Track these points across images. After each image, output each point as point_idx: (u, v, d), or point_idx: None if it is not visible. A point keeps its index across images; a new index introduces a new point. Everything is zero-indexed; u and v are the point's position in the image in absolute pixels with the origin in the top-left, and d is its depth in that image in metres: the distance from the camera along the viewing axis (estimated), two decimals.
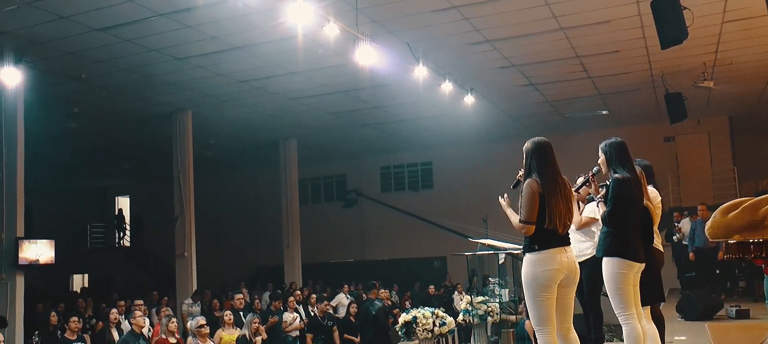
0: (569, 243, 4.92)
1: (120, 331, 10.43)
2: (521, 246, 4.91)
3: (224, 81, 13.20)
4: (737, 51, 12.65)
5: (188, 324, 9.64)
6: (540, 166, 4.80)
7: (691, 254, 12.88)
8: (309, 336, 12.25)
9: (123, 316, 11.33)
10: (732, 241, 5.60)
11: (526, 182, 4.77)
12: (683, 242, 13.51)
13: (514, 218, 4.79)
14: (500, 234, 10.01)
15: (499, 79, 13.93)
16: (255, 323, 9.74)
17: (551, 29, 11.07)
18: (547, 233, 4.73)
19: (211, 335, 9.57)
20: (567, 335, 4.96)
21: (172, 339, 9.32)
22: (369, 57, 9.77)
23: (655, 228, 5.87)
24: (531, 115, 17.34)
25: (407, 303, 15.40)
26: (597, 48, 12.17)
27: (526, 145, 4.89)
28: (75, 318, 9.73)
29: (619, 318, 5.31)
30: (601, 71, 13.71)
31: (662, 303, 6.18)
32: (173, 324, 9.43)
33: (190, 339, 9.37)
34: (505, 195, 5.06)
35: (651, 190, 5.79)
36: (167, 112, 15.32)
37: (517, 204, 4.92)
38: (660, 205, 6.05)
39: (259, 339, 9.74)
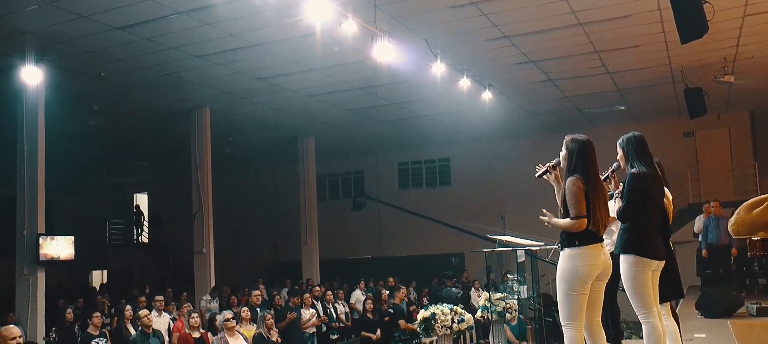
0: (603, 240, 4.96)
1: (136, 327, 10.53)
2: (538, 243, 4.94)
3: (243, 78, 13.25)
4: (759, 45, 12.51)
5: (216, 319, 9.69)
6: (585, 166, 4.84)
7: (704, 251, 12.78)
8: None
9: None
10: (756, 238, 5.56)
11: (570, 180, 4.77)
12: (698, 239, 13.42)
13: (563, 221, 4.78)
14: (517, 230, 9.99)
15: (517, 75, 13.88)
16: (268, 319, 9.77)
17: (570, 24, 11.00)
18: (588, 230, 4.76)
19: None
20: (597, 331, 5.01)
21: (196, 334, 9.40)
22: (387, 53, 9.77)
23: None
24: (549, 111, 17.25)
25: (425, 299, 15.40)
26: (616, 43, 12.08)
27: (570, 141, 4.89)
28: (98, 314, 9.82)
29: (639, 317, 5.26)
30: (620, 66, 13.61)
31: (681, 300, 6.15)
32: (195, 320, 9.50)
33: (211, 335, 9.42)
34: (545, 211, 5.04)
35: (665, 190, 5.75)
36: (186, 109, 15.41)
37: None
38: (671, 204, 6.01)
39: (274, 333, 9.77)
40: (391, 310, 12.61)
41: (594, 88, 15.37)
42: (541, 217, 4.94)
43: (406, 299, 14.00)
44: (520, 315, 8.78)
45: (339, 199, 24.14)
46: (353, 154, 23.17)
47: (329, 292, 14.18)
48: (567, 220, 4.76)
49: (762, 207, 5.33)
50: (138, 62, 11.96)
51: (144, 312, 9.58)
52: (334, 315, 13.60)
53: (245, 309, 10.44)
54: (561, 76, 14.19)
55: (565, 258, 4.83)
